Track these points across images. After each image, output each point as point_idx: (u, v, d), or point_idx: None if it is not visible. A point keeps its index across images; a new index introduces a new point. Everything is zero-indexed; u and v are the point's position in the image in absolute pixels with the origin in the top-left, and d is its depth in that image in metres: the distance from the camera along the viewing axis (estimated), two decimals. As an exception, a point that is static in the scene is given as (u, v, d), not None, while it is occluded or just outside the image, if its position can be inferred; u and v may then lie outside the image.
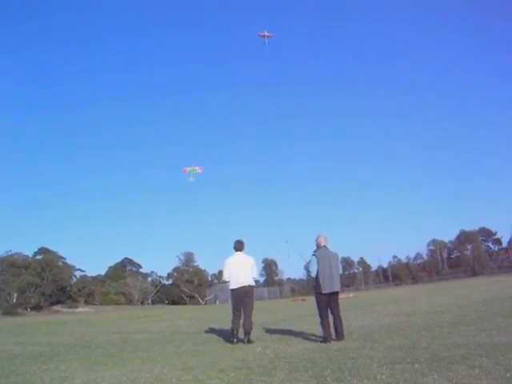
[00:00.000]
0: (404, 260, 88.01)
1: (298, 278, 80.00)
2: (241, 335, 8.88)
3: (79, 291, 65.61)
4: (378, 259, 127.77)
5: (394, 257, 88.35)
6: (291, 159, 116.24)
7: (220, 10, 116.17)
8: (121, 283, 69.29)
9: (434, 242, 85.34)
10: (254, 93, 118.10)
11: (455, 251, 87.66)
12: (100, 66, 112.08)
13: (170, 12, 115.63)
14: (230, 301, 10.07)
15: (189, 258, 78.44)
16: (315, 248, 8.47)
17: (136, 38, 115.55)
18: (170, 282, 79.66)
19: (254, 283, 9.23)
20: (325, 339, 7.90)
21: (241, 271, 8.97)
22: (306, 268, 8.80)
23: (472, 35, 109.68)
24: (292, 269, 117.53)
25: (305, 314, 16.37)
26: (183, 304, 69.65)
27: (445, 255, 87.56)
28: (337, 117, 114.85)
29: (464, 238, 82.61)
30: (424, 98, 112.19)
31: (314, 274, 8.19)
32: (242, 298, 8.95)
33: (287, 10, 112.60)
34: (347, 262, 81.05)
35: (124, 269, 76.87)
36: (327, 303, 8.20)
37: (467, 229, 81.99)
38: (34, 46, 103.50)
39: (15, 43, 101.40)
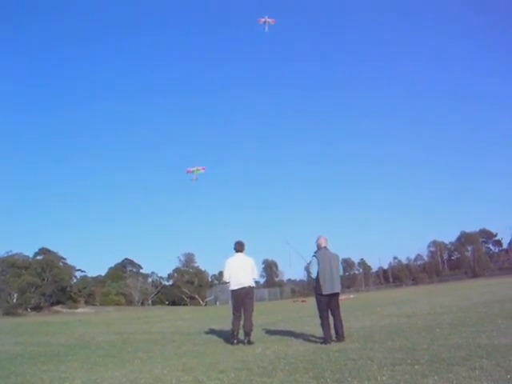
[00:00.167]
0: (404, 261, 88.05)
1: (298, 279, 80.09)
2: (241, 336, 8.87)
3: (79, 292, 65.60)
4: (379, 260, 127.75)
5: (395, 258, 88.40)
6: (291, 160, 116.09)
7: (220, 10, 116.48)
8: (121, 284, 69.29)
9: (434, 243, 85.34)
10: (254, 93, 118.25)
11: (456, 252, 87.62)
12: (100, 66, 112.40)
13: (170, 12, 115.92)
14: (230, 302, 10.07)
15: (189, 258, 78.46)
16: (316, 249, 8.47)
17: (136, 37, 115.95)
18: (171, 282, 79.65)
19: (254, 284, 9.23)
20: (325, 340, 7.89)
21: (241, 272, 8.96)
22: (307, 269, 8.80)
23: (472, 35, 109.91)
24: (292, 270, 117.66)
25: (305, 315, 16.36)
26: (183, 305, 69.66)
27: (445, 256, 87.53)
28: (337, 117, 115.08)
29: (464, 239, 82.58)
30: (424, 98, 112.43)
31: (314, 275, 8.19)
32: (242, 299, 8.94)
33: (287, 9, 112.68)
34: (347, 263, 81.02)
35: (124, 269, 76.87)
36: (327, 304, 8.19)
37: (468, 230, 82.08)
38: (34, 46, 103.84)
39: (15, 43, 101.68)
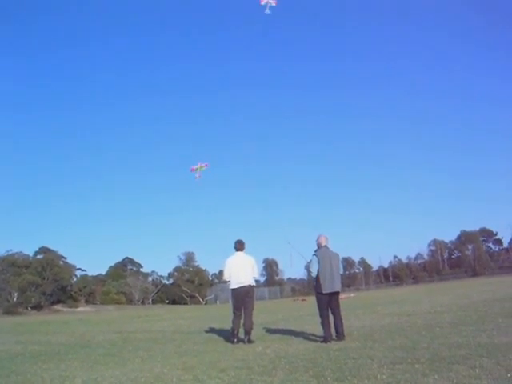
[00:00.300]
0: (405, 260, 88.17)
1: (298, 278, 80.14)
2: (241, 335, 8.88)
3: (80, 291, 65.67)
4: (379, 259, 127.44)
5: (395, 257, 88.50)
6: (291, 160, 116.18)
7: (220, 10, 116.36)
8: (121, 283, 69.37)
9: (434, 242, 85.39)
10: (254, 93, 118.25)
11: (456, 251, 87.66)
12: (100, 66, 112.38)
13: (170, 12, 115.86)
14: (230, 300, 10.07)
15: (189, 257, 78.51)
16: (316, 248, 8.47)
17: (136, 37, 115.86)
18: (171, 281, 79.73)
19: (254, 283, 9.23)
20: (325, 339, 7.89)
21: (241, 271, 8.96)
22: (307, 268, 8.80)
23: (472, 35, 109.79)
24: (293, 269, 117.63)
25: (305, 313, 16.37)
26: (184, 304, 69.67)
27: (445, 255, 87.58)
28: (337, 117, 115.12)
29: (465, 238, 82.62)
30: (424, 98, 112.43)
31: (314, 274, 8.19)
32: (242, 298, 8.94)
33: (287, 9, 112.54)
34: (348, 262, 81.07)
35: (125, 268, 76.97)
36: (328, 303, 8.19)
37: (468, 229, 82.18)
38: (34, 46, 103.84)
39: (15, 43, 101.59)
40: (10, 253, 59.79)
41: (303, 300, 35.13)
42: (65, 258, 64.71)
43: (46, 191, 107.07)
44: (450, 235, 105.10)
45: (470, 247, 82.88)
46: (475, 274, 71.47)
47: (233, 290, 9.05)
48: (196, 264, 79.11)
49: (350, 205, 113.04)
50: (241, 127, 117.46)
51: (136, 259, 78.10)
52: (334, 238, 8.99)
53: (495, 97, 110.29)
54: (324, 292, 8.09)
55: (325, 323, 8.06)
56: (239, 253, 9.22)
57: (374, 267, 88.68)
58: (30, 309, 53.76)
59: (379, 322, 10.68)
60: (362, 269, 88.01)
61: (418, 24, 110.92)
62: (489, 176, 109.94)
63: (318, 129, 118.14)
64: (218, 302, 62.69)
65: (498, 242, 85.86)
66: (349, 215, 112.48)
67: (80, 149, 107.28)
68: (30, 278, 55.80)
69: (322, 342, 7.90)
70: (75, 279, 67.84)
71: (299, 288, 73.09)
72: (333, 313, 8.20)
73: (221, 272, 16.29)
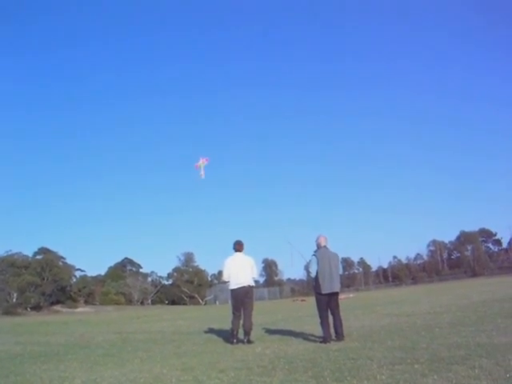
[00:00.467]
0: (404, 260, 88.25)
1: (298, 279, 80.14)
2: (241, 335, 8.87)
3: (79, 291, 65.61)
4: (378, 260, 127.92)
5: (394, 257, 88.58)
6: (291, 160, 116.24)
7: (220, 10, 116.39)
8: (121, 283, 69.31)
9: (434, 242, 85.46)
10: (254, 93, 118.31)
11: (455, 252, 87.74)
12: (100, 66, 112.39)
13: (170, 12, 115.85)
14: (229, 301, 10.07)
15: (189, 258, 78.49)
16: (315, 248, 8.47)
17: (136, 38, 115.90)
18: (170, 282, 79.71)
19: (253, 283, 9.23)
20: (324, 339, 7.89)
21: (240, 271, 8.96)
22: (306, 268, 8.80)
23: (472, 35, 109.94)
24: (293, 269, 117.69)
25: (305, 314, 16.37)
26: (183, 304, 69.67)
27: (445, 256, 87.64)
28: (337, 117, 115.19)
29: (464, 238, 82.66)
30: (424, 98, 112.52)
31: (313, 275, 8.19)
32: (241, 299, 8.94)
33: (287, 9, 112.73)
34: (347, 263, 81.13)
35: (124, 269, 76.91)
36: (327, 303, 8.19)
37: (467, 229, 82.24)
38: (34, 46, 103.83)
39: (15, 43, 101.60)
40: (10, 253, 59.82)
41: (303, 300, 35.12)
42: (64, 258, 64.77)
43: (45, 191, 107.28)
44: (449, 236, 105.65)
45: (469, 248, 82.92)
46: (474, 275, 71.50)
47: (232, 290, 9.04)
48: (195, 264, 79.20)
49: (350, 205, 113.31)
50: (241, 127, 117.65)
51: (135, 260, 78.16)
52: (333, 239, 9.02)
53: (495, 97, 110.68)
54: (323, 292, 8.09)
55: (324, 324, 8.06)
56: (238, 253, 9.22)
57: (374, 268, 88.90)
58: (29, 309, 53.71)
59: (378, 323, 10.68)
60: (361, 269, 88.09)
61: (418, 24, 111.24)
62: (488, 176, 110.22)
63: (318, 129, 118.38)
64: (217, 302, 62.69)
65: (498, 242, 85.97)
66: (348, 215, 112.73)
67: (80, 149, 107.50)
68: (29, 278, 55.75)
69: (321, 342, 7.90)
70: (74, 280, 67.78)
71: (299, 288, 73.10)
72: (332, 313, 8.19)
73: (220, 272, 16.28)
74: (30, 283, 55.67)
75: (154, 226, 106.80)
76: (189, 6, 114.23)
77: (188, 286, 73.77)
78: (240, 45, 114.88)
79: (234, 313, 9.06)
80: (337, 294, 8.37)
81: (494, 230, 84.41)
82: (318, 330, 8.43)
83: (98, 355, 8.54)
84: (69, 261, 65.65)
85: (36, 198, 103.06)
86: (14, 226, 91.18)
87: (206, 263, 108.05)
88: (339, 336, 8.00)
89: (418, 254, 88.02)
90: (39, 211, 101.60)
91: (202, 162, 11.25)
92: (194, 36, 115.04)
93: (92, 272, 76.00)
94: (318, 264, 8.11)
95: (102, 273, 76.31)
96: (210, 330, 12.28)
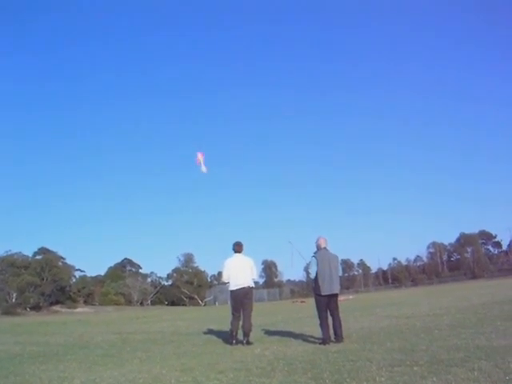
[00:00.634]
0: (404, 262, 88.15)
1: (297, 280, 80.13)
2: (240, 337, 8.87)
3: (79, 291, 65.60)
4: (378, 261, 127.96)
5: (394, 259, 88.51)
6: (291, 160, 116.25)
7: (220, 10, 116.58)
8: (120, 284, 69.28)
9: (433, 244, 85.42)
10: (254, 93, 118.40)
11: (455, 254, 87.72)
12: (100, 66, 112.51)
13: (170, 12, 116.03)
14: (229, 302, 10.06)
15: (188, 258, 78.46)
16: (315, 250, 8.47)
17: (136, 37, 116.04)
18: (170, 282, 79.67)
19: (253, 284, 9.22)
20: (324, 341, 7.89)
21: (240, 272, 8.95)
22: (306, 269, 8.81)
23: (472, 35, 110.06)
24: (293, 270, 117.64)
25: (304, 315, 16.36)
26: (182, 305, 69.66)
27: (445, 258, 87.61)
28: (337, 117, 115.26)
29: (464, 240, 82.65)
30: (424, 98, 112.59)
31: (313, 276, 8.19)
32: (241, 300, 8.93)
33: (287, 9, 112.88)
34: (347, 264, 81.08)
35: (124, 269, 76.88)
36: (326, 305, 8.19)
37: (467, 231, 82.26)
38: (34, 46, 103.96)
39: (15, 43, 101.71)
40: (9, 253, 59.86)
41: (302, 302, 35.10)
42: (64, 258, 64.77)
43: (45, 191, 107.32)
44: (449, 238, 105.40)
45: (469, 250, 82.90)
46: (474, 277, 71.52)
47: (232, 291, 9.04)
48: (195, 265, 79.17)
49: (350, 205, 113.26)
50: (241, 127, 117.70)
51: (135, 260, 78.14)
52: (333, 240, 9.02)
53: (495, 97, 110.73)
54: (323, 294, 8.09)
55: (323, 325, 8.06)
56: (238, 254, 9.21)
57: (373, 269, 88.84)
58: (28, 309, 53.71)
59: (378, 324, 10.68)
60: (361, 271, 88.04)
61: (418, 24, 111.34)
62: (488, 177, 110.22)
63: (318, 129, 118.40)
64: (216, 303, 62.70)
65: (498, 244, 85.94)
66: (348, 216, 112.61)
67: (80, 149, 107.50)
68: (28, 278, 55.75)
69: (320, 343, 7.90)
70: (74, 280, 67.79)
71: (298, 290, 73.10)
72: (331, 315, 8.19)
73: (220, 273, 16.26)
74: (29, 283, 55.66)
75: (154, 226, 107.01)
76: (189, 6, 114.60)
77: (188, 286, 73.75)
78: (240, 45, 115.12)
79: (233, 314, 9.05)
80: (336, 295, 8.37)
81: (493, 232, 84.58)
82: (318, 332, 8.43)
83: (97, 355, 8.53)
84: (68, 261, 65.81)
85: (36, 198, 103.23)
86: (13, 226, 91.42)
87: (205, 264, 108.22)
88: (338, 337, 7.99)
89: (418, 256, 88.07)
90: (39, 211, 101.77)
91: (199, 156, 11.19)
92: (194, 36, 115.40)
93: (92, 272, 76.16)
94: (317, 265, 8.11)
95: (102, 273, 76.40)
96: (210, 331, 12.27)
